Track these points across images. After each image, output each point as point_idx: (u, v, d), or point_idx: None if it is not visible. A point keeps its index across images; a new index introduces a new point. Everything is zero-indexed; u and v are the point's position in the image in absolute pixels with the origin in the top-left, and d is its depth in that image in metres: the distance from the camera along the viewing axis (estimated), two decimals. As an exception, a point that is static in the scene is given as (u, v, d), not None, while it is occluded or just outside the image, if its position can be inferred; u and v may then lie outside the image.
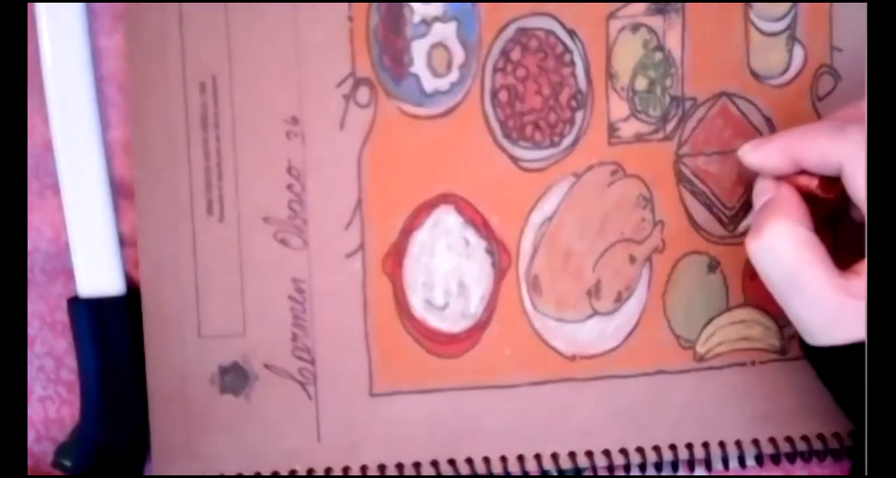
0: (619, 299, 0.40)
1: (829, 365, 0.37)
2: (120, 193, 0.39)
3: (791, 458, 0.41)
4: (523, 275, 0.40)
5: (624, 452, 0.41)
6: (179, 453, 0.39)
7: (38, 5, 0.37)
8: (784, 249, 0.36)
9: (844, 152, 0.35)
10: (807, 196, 0.37)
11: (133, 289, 0.39)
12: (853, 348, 0.36)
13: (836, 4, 0.40)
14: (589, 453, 0.41)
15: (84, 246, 0.38)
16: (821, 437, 0.41)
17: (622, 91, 0.40)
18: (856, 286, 0.35)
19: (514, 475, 0.40)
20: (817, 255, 0.36)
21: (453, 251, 0.40)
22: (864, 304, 0.35)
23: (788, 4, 0.40)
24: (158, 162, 0.38)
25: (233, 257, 0.39)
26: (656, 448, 0.41)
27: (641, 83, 0.40)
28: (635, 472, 0.41)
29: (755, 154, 0.38)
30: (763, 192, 0.38)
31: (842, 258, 0.36)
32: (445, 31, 0.39)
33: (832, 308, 0.36)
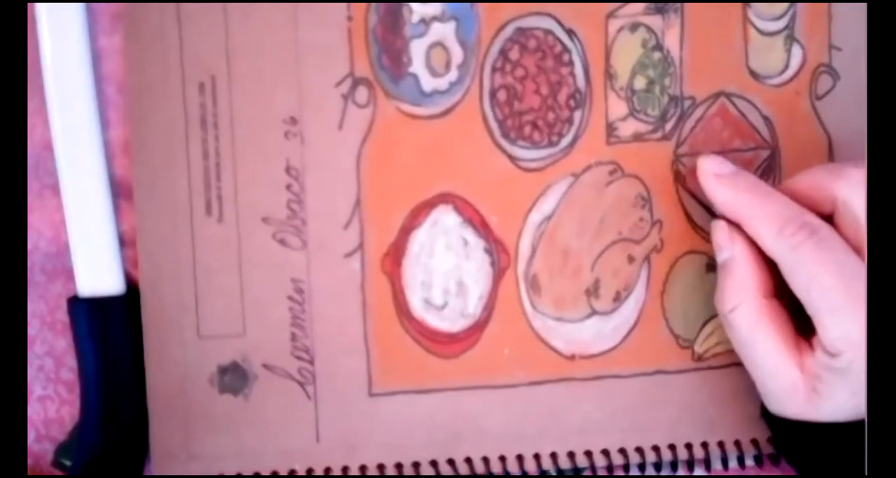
0: (618, 299, 0.40)
1: (781, 433, 0.38)
2: (120, 193, 0.39)
3: (790, 458, 0.41)
4: (522, 274, 0.40)
5: (623, 452, 0.41)
6: (179, 453, 0.39)
7: (38, 5, 0.37)
8: (740, 322, 0.36)
9: (780, 251, 0.35)
10: None
11: (133, 289, 0.39)
12: (803, 424, 0.36)
13: (834, 4, 0.40)
14: (588, 453, 0.40)
15: (84, 246, 0.39)
16: (821, 437, 0.41)
17: (621, 91, 0.40)
18: (807, 363, 0.36)
19: (513, 475, 0.40)
20: (774, 326, 0.36)
21: (452, 251, 0.40)
22: (813, 384, 0.35)
23: (787, 4, 0.40)
24: (157, 162, 0.38)
25: (232, 257, 0.39)
26: (655, 448, 0.41)
27: (640, 83, 0.40)
28: (634, 472, 0.41)
29: (710, 182, 0.37)
30: (720, 245, 0.37)
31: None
32: (444, 31, 0.39)
33: (784, 382, 0.36)
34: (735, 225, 0.37)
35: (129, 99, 0.38)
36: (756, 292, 0.36)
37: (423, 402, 0.40)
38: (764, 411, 0.38)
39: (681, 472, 0.41)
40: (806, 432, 0.36)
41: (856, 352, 0.34)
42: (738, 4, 0.40)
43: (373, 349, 0.40)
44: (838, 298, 0.34)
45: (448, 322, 0.40)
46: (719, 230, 0.37)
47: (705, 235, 0.40)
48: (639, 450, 0.41)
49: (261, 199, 0.39)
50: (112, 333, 0.39)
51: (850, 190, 0.35)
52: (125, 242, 0.39)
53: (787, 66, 0.40)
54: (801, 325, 0.37)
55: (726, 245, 0.37)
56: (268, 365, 0.39)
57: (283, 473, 0.40)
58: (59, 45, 0.37)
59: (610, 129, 0.40)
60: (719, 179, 0.37)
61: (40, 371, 0.40)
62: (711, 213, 0.40)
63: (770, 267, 0.37)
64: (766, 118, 0.40)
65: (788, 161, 0.40)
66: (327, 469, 0.40)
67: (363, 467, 0.40)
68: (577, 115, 0.40)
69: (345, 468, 0.40)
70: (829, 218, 0.36)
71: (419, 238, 0.40)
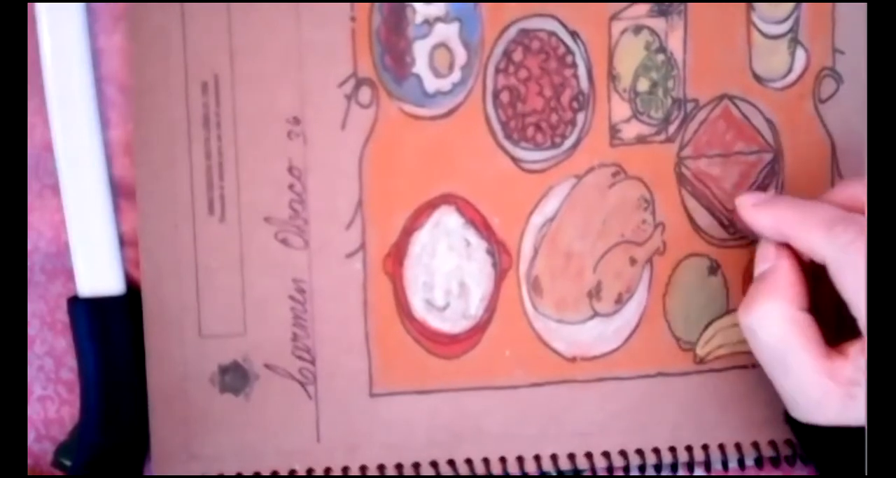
0: (620, 301, 0.40)
1: (809, 438, 0.38)
2: (120, 193, 0.39)
3: (790, 461, 0.41)
4: (524, 276, 0.40)
5: (623, 453, 0.41)
6: (179, 453, 0.39)
7: (38, 5, 0.37)
8: (772, 330, 0.36)
9: (831, 252, 0.35)
10: None
11: (133, 289, 0.39)
12: (834, 429, 0.36)
13: (838, 7, 0.40)
14: (588, 455, 0.41)
15: (84, 246, 0.38)
16: (819, 438, 0.41)
17: (624, 93, 0.40)
18: (840, 371, 0.35)
19: (514, 476, 0.41)
20: (806, 336, 0.36)
21: (454, 252, 0.40)
22: (847, 390, 0.35)
23: (791, 7, 0.40)
24: (160, 161, 0.38)
25: (234, 257, 0.39)
26: (656, 450, 0.41)
27: (643, 85, 0.40)
28: (634, 473, 0.41)
29: (749, 214, 0.38)
30: (763, 258, 0.38)
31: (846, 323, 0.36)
32: (447, 32, 0.39)
33: (816, 392, 0.36)
34: (781, 244, 0.37)
35: (131, 98, 0.38)
36: (792, 304, 0.36)
37: (424, 402, 0.40)
38: (787, 418, 0.38)
39: (681, 474, 0.41)
40: (837, 437, 0.36)
41: None
42: (742, 7, 0.40)
43: (374, 350, 0.40)
44: None
45: (449, 323, 0.40)
46: (768, 244, 0.38)
47: (708, 238, 0.40)
48: (639, 452, 0.41)
49: (263, 198, 0.39)
50: (112, 333, 0.39)
51: None
52: (125, 242, 0.39)
53: (790, 70, 0.40)
54: (827, 337, 0.36)
55: (771, 257, 0.37)
56: (269, 365, 0.39)
57: (284, 473, 0.40)
58: (59, 45, 0.37)
59: (613, 131, 0.40)
60: (757, 207, 0.38)
61: (40, 371, 0.40)
62: (713, 215, 0.40)
63: (807, 284, 0.37)
64: (769, 121, 0.40)
65: (791, 164, 0.40)
66: (327, 469, 0.40)
67: (363, 468, 0.40)
68: (581, 116, 0.39)
69: (345, 468, 0.40)
70: None
71: (421, 239, 0.39)
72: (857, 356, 0.35)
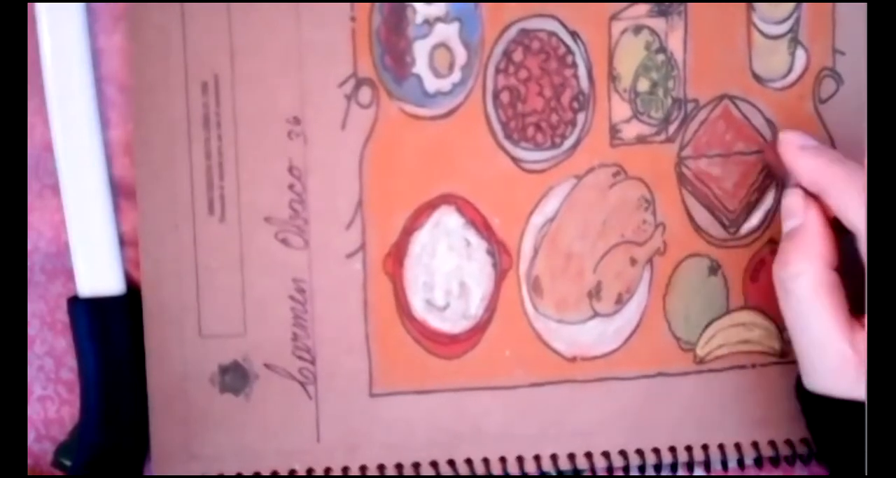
0: (620, 301, 0.40)
1: (818, 414, 0.38)
2: (120, 193, 0.39)
3: (790, 460, 0.41)
4: (524, 276, 0.40)
5: (623, 453, 0.41)
6: (179, 453, 0.39)
7: (38, 5, 0.37)
8: (803, 290, 0.36)
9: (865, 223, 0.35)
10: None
11: (133, 289, 0.39)
12: (846, 405, 0.36)
13: (838, 8, 0.40)
14: (588, 455, 0.41)
15: (84, 246, 0.38)
16: (819, 438, 0.41)
17: (624, 93, 0.40)
18: (860, 341, 0.35)
19: (513, 476, 0.41)
20: (834, 299, 0.36)
21: (454, 252, 0.40)
22: (864, 361, 0.35)
23: (791, 7, 0.40)
24: (160, 161, 0.38)
25: (234, 257, 0.39)
26: (656, 450, 0.41)
27: (643, 85, 0.40)
28: (634, 473, 0.41)
29: (793, 155, 0.37)
30: (791, 212, 0.37)
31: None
32: (448, 32, 0.38)
33: (834, 358, 0.36)
34: (808, 195, 0.37)
35: (131, 98, 0.38)
36: (822, 261, 0.36)
37: (424, 402, 0.40)
38: (799, 389, 0.38)
39: (681, 473, 0.41)
40: (845, 412, 0.36)
41: None
42: (743, 8, 0.40)
43: (374, 350, 0.40)
44: None
45: (449, 323, 0.40)
46: (795, 196, 0.37)
47: (708, 239, 0.40)
48: (639, 452, 0.41)
49: (263, 198, 0.39)
50: (112, 333, 0.39)
51: None
52: (125, 242, 0.39)
53: (790, 70, 0.40)
54: (854, 305, 0.36)
55: (799, 212, 0.37)
56: (269, 365, 0.39)
57: (284, 473, 0.40)
58: (59, 45, 0.37)
59: (613, 131, 0.40)
60: (804, 151, 0.37)
61: (40, 371, 0.40)
62: (714, 216, 0.40)
63: (836, 241, 0.36)
64: (769, 121, 0.40)
65: (791, 165, 0.40)
66: (327, 469, 0.40)
67: (363, 467, 0.40)
68: (581, 117, 0.39)
69: (345, 468, 0.40)
70: None
71: (421, 239, 0.39)
72: None
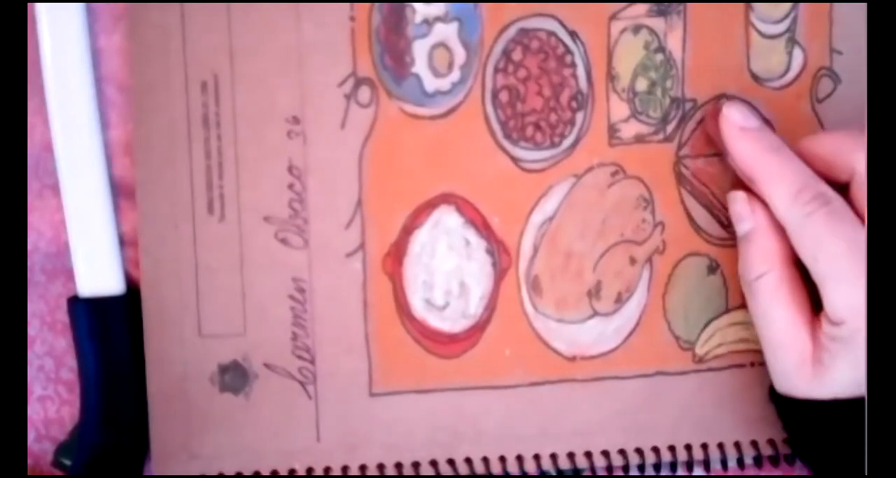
0: (620, 300, 0.40)
1: (788, 416, 0.38)
2: (120, 193, 0.39)
3: (789, 460, 0.41)
4: (523, 275, 0.40)
5: (623, 453, 0.41)
6: (179, 452, 0.39)
7: (38, 5, 0.37)
8: (763, 290, 0.37)
9: (792, 217, 0.36)
10: None
11: (133, 289, 0.39)
12: (810, 404, 0.36)
13: (836, 8, 0.40)
14: (588, 454, 0.41)
15: (84, 246, 0.38)
16: (818, 437, 0.41)
17: (623, 92, 0.40)
18: (818, 332, 0.36)
19: (513, 476, 0.41)
20: (791, 297, 0.37)
21: (454, 251, 0.40)
22: (822, 353, 0.35)
23: (788, 7, 0.40)
24: (159, 161, 0.38)
25: (233, 256, 0.39)
26: (655, 449, 0.41)
27: (642, 84, 0.40)
28: (634, 473, 0.41)
29: (732, 133, 0.37)
30: (740, 217, 0.38)
31: None
32: (447, 32, 0.39)
33: (794, 356, 0.36)
34: (752, 195, 0.37)
35: (131, 98, 0.38)
36: (780, 261, 0.37)
37: (424, 402, 0.40)
38: (772, 393, 0.38)
39: (680, 473, 0.41)
40: (810, 412, 0.36)
41: (858, 322, 0.34)
42: (741, 7, 0.40)
43: (373, 349, 0.40)
44: (844, 267, 0.35)
45: (449, 323, 0.40)
46: (739, 201, 0.38)
47: (707, 238, 0.41)
48: (638, 451, 0.41)
49: (262, 198, 0.39)
50: (112, 333, 0.39)
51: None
52: (125, 242, 0.39)
53: (788, 69, 0.40)
54: (817, 302, 0.37)
55: (747, 216, 0.37)
56: (268, 364, 0.39)
57: (283, 472, 0.40)
58: (59, 45, 0.37)
59: (612, 130, 0.40)
60: (743, 133, 0.37)
61: (40, 371, 0.40)
62: (712, 215, 0.40)
63: (786, 237, 0.37)
64: (766, 121, 0.40)
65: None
66: (327, 469, 0.40)
67: (363, 467, 0.40)
68: (579, 116, 0.40)
69: (345, 468, 0.40)
70: (844, 186, 0.36)
71: (420, 238, 0.40)
72: (825, 321, 0.36)
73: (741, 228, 0.38)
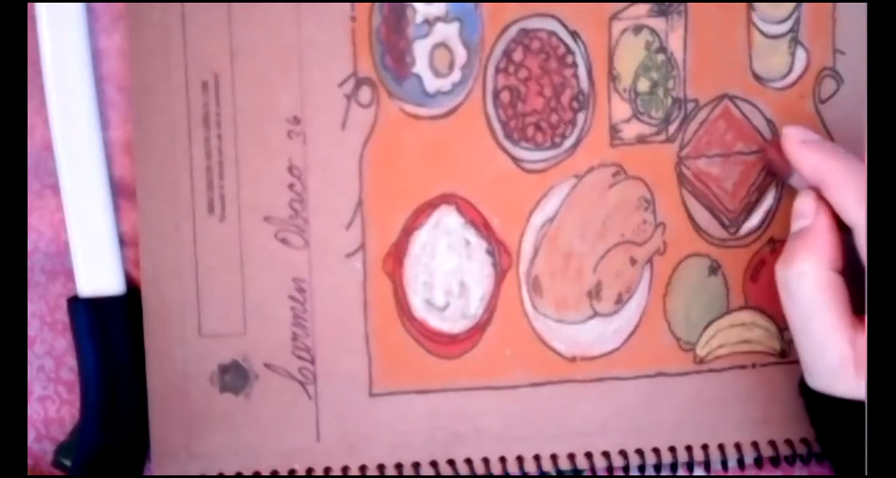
0: (620, 301, 0.40)
1: (820, 412, 0.38)
2: (120, 193, 0.39)
3: (790, 460, 0.41)
4: (524, 276, 0.40)
5: (623, 453, 0.41)
6: (179, 452, 0.39)
7: (38, 5, 0.37)
8: (805, 290, 0.36)
9: (862, 219, 0.35)
10: None
11: (133, 289, 0.39)
12: (847, 403, 0.36)
13: (839, 8, 0.40)
14: (588, 455, 0.41)
15: (84, 246, 0.38)
16: (819, 438, 0.41)
17: (624, 92, 0.40)
18: (860, 341, 0.36)
19: (513, 476, 0.41)
20: (836, 301, 0.36)
21: (454, 252, 0.40)
22: (864, 362, 0.35)
23: (791, 7, 0.40)
24: (160, 161, 0.38)
25: (233, 256, 0.39)
26: (655, 450, 0.41)
27: (643, 85, 0.40)
28: (634, 473, 0.41)
29: (795, 149, 0.37)
30: (802, 214, 0.38)
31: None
32: (448, 32, 0.38)
33: (834, 358, 0.36)
34: (821, 198, 0.37)
35: (131, 98, 0.38)
36: (825, 263, 0.36)
37: (424, 402, 0.40)
38: (802, 387, 0.38)
39: (681, 473, 0.41)
40: (845, 411, 0.36)
41: None
42: (743, 7, 0.39)
43: (374, 349, 0.40)
44: None
45: (449, 323, 0.40)
46: (808, 198, 0.37)
47: (708, 238, 0.40)
48: (639, 452, 0.41)
49: (263, 198, 0.39)
50: (112, 333, 0.39)
51: None
52: (125, 242, 0.39)
53: (790, 70, 0.40)
54: (856, 305, 0.36)
55: (809, 213, 0.37)
56: (269, 364, 0.39)
57: (283, 472, 0.40)
58: (59, 45, 0.37)
59: (613, 131, 0.40)
60: (806, 145, 0.37)
61: (40, 371, 0.40)
62: (714, 215, 0.40)
63: (842, 244, 0.37)
64: (769, 121, 0.40)
65: (791, 164, 0.40)
66: (327, 469, 0.40)
67: (363, 467, 0.40)
68: (581, 116, 0.39)
69: (345, 468, 0.40)
70: None
71: (421, 239, 0.39)
72: None
73: (799, 223, 0.37)
